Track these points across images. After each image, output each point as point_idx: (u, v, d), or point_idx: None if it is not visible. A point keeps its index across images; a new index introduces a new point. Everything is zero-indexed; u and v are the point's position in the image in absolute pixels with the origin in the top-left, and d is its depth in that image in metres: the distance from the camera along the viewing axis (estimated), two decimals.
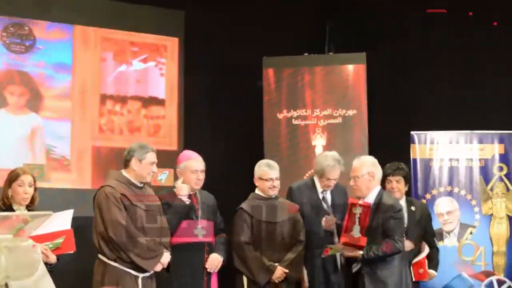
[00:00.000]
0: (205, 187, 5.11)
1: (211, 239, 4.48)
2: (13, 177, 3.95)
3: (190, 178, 4.44)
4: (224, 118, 6.62)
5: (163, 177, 5.03)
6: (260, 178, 4.59)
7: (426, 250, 4.77)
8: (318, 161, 4.70)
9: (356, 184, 4.42)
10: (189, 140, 6.36)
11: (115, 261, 3.98)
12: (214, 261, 4.44)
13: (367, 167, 4.41)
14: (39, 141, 5.95)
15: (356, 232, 4.29)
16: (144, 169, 4.14)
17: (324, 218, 4.57)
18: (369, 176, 4.39)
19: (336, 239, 4.57)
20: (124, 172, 4.18)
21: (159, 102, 6.48)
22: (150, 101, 6.43)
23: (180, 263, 4.30)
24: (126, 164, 4.18)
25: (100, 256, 4.04)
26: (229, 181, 6.35)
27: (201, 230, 4.41)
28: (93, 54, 6.23)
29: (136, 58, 6.37)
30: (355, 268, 4.43)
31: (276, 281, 4.49)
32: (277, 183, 4.59)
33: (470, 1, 6.14)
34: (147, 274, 4.08)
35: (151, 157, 4.17)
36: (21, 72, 5.95)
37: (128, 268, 4.00)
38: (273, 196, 4.61)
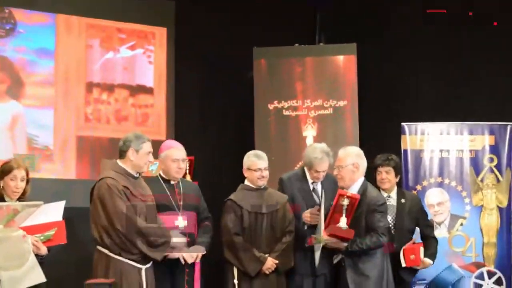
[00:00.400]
0: (195, 177, 5.07)
1: (193, 230, 4.43)
2: (5, 169, 3.88)
3: (171, 167, 4.41)
4: (214, 109, 6.58)
5: (154, 167, 4.97)
6: (249, 169, 4.58)
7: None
8: (307, 153, 4.68)
9: (340, 174, 4.41)
10: (178, 130, 6.29)
11: (119, 255, 3.94)
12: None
13: (352, 157, 4.41)
14: (20, 130, 5.77)
15: (343, 224, 4.27)
16: (141, 159, 4.13)
17: (303, 214, 4.54)
18: (353, 167, 4.39)
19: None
20: (120, 163, 4.14)
21: (147, 90, 6.34)
22: (138, 90, 6.29)
23: None
24: (121, 154, 4.14)
25: (101, 249, 3.99)
26: (219, 171, 6.33)
27: (182, 221, 4.36)
28: (78, 40, 6.05)
29: (123, 45, 6.21)
30: (336, 259, 4.43)
31: (267, 272, 4.48)
32: (265, 173, 4.58)
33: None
34: (149, 265, 4.05)
35: (148, 147, 4.15)
36: (1, 57, 5.73)
37: (132, 260, 3.96)
38: (262, 187, 4.59)
